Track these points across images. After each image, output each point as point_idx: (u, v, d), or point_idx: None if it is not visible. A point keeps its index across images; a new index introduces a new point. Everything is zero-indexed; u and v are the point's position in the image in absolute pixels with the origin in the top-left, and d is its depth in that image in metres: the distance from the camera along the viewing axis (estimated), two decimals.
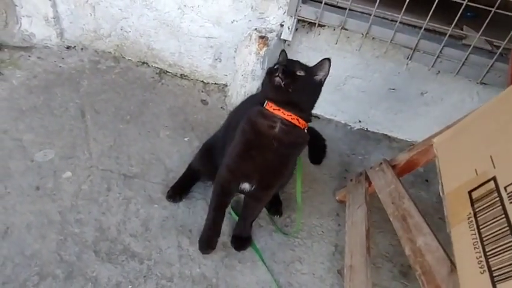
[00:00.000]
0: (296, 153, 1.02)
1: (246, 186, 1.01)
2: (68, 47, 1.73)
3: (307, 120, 0.96)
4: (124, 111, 1.50)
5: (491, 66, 1.30)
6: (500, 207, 0.59)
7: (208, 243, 1.08)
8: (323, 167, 1.46)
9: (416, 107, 1.59)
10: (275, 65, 0.92)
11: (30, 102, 1.41)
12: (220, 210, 1.07)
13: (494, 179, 0.62)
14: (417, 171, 1.54)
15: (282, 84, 0.88)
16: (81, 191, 1.18)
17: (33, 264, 0.98)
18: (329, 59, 0.93)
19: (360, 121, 1.69)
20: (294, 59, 0.98)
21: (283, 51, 1.00)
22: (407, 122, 1.64)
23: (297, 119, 0.92)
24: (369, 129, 1.71)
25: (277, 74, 0.88)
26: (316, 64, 0.94)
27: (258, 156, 0.95)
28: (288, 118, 0.91)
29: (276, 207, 1.25)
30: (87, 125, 1.39)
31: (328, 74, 0.94)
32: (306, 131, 0.97)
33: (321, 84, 0.96)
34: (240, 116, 1.00)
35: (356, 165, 1.52)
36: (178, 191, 1.22)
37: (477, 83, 1.39)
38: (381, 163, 1.20)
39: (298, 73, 0.90)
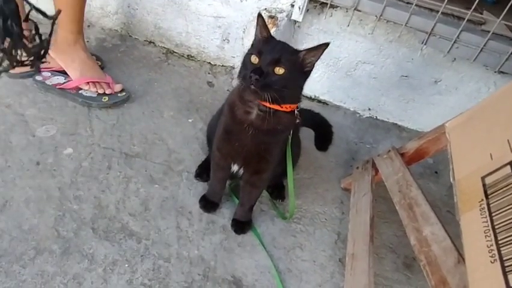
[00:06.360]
0: (280, 139, 0.95)
1: (235, 167, 1.01)
2: None
3: (296, 102, 0.88)
4: (129, 90, 1.47)
5: (511, 53, 1.23)
6: None
7: (211, 205, 1.13)
8: (329, 154, 1.43)
9: (428, 96, 1.53)
10: (250, 52, 0.81)
11: None
12: (220, 183, 1.10)
13: (510, 163, 0.57)
14: (426, 162, 1.50)
15: (258, 91, 0.79)
16: (81, 168, 1.16)
17: (30, 238, 0.97)
18: (327, 44, 0.78)
19: (369, 109, 1.64)
20: (281, 40, 0.84)
21: (259, 16, 0.82)
22: (419, 112, 1.59)
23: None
24: (378, 117, 1.66)
25: (251, 84, 0.77)
26: (310, 49, 0.80)
27: (236, 141, 0.92)
28: (267, 104, 0.81)
29: (278, 192, 1.22)
30: None
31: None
32: (297, 111, 0.89)
33: (310, 72, 0.84)
34: None
35: (363, 154, 1.47)
36: (205, 170, 1.20)
37: (495, 71, 1.33)
38: (389, 150, 1.16)
39: (277, 71, 0.78)
